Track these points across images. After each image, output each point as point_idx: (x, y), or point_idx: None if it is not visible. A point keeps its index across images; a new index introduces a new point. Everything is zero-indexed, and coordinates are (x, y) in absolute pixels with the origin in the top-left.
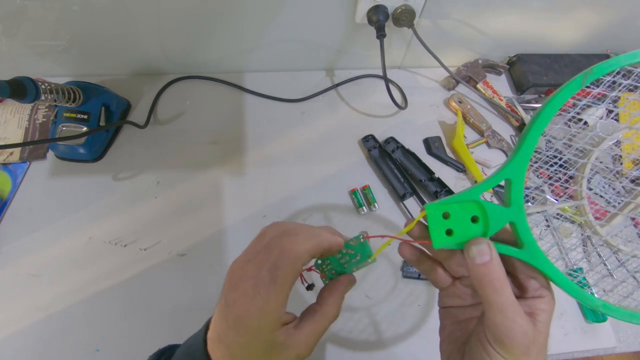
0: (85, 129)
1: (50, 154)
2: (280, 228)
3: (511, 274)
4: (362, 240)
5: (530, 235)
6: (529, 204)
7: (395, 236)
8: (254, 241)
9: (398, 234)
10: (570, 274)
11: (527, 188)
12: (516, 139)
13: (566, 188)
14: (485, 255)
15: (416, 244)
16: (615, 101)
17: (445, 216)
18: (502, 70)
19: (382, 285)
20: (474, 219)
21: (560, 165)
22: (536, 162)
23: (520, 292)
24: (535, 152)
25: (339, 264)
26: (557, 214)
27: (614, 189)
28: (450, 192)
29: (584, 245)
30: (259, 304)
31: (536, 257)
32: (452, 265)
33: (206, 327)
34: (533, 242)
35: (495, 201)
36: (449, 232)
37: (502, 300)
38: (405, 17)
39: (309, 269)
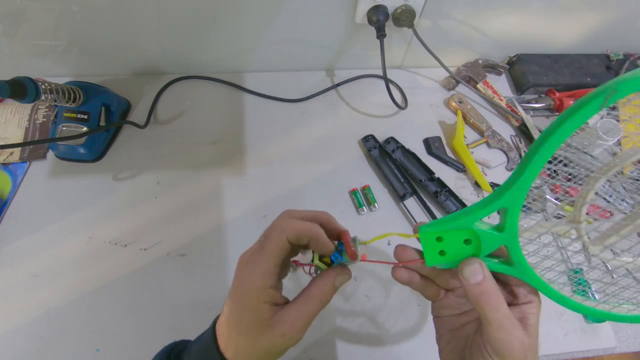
0: (85, 129)
1: (50, 154)
2: (286, 216)
3: (502, 282)
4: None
5: (521, 256)
6: (524, 225)
7: (393, 262)
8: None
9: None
10: (570, 277)
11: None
12: (516, 139)
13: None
14: (479, 275)
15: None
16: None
17: (438, 239)
18: (502, 70)
19: (381, 284)
20: (467, 241)
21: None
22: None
23: (512, 298)
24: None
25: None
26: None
27: (614, 189)
28: (450, 192)
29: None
30: (248, 269)
31: (525, 274)
32: (444, 280)
33: (215, 320)
34: (524, 261)
35: None
36: (441, 253)
37: (499, 316)
38: (405, 17)
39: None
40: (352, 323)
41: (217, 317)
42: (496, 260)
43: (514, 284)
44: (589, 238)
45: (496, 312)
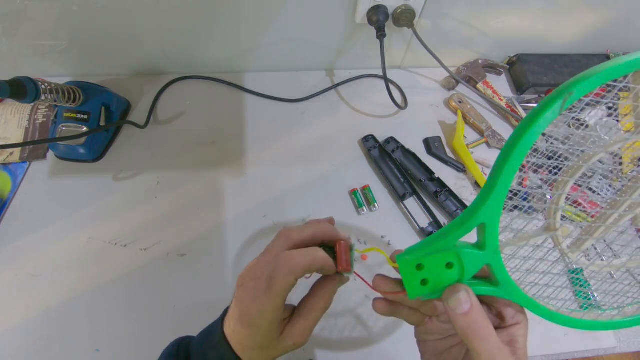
0: (85, 129)
1: (50, 154)
2: (284, 240)
3: (487, 304)
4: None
5: (505, 274)
6: (503, 240)
7: (376, 289)
8: (267, 247)
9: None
10: (571, 279)
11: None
12: None
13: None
14: (465, 304)
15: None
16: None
17: (419, 267)
18: (502, 70)
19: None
20: (449, 265)
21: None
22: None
23: (499, 320)
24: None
25: None
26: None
27: (614, 188)
28: (450, 192)
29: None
30: (258, 306)
31: (512, 293)
32: (429, 309)
33: (223, 315)
34: (508, 279)
35: None
36: (423, 282)
37: (490, 347)
38: (405, 17)
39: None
40: (352, 323)
41: (223, 318)
42: (481, 283)
43: (500, 304)
44: (568, 246)
45: (486, 344)
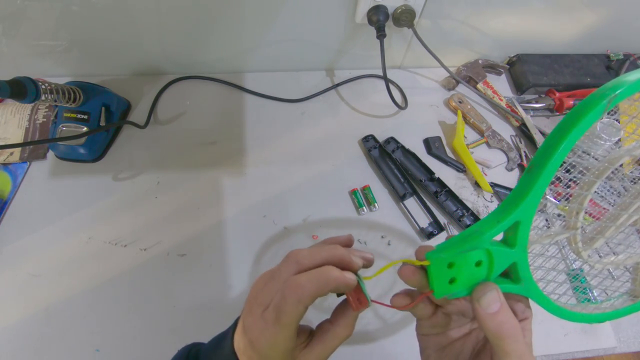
0: (85, 129)
1: (51, 154)
2: (293, 266)
3: None
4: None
5: (529, 272)
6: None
7: (396, 307)
8: (275, 269)
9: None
10: (570, 278)
11: None
12: (516, 139)
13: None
14: (495, 304)
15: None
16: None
17: (450, 265)
18: (502, 70)
19: (383, 286)
20: (478, 263)
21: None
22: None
23: None
24: None
25: None
26: (558, 214)
27: (614, 188)
28: (450, 192)
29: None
30: (268, 338)
31: (531, 290)
32: (442, 300)
33: (234, 327)
34: (530, 278)
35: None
36: (451, 280)
37: (518, 346)
38: (405, 17)
39: None
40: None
41: (234, 330)
42: (504, 281)
43: (511, 300)
44: (581, 245)
45: (515, 343)
